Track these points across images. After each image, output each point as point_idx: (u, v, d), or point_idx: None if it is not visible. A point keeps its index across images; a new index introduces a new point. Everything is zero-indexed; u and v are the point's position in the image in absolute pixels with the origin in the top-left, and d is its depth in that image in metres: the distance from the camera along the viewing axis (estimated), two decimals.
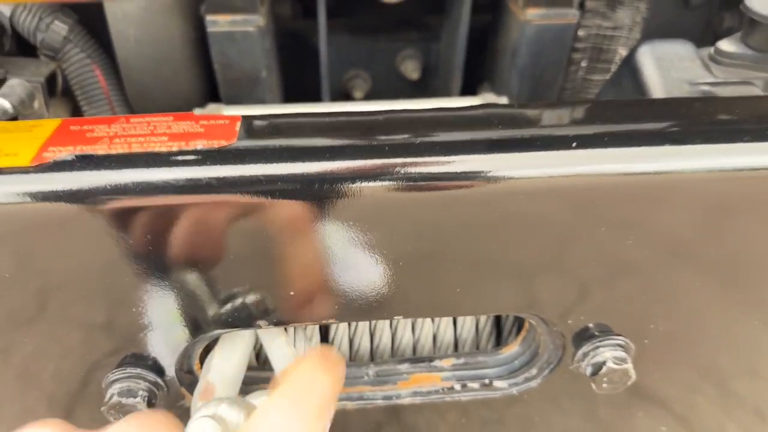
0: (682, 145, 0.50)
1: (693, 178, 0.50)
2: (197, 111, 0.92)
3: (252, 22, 0.86)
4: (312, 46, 1.06)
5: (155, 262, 0.51)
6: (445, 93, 1.06)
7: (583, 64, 0.97)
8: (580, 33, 0.92)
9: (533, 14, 0.88)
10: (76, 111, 0.99)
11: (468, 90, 1.05)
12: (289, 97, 1.04)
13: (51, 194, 0.47)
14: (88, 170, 0.47)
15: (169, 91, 0.94)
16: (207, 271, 0.52)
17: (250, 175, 0.47)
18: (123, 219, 0.48)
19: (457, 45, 0.95)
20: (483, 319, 0.68)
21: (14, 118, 0.78)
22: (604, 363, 0.60)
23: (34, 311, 0.54)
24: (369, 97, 1.12)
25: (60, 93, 0.98)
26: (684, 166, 0.50)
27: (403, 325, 0.67)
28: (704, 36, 1.01)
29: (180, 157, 0.48)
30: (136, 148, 0.49)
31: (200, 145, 0.49)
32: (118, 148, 0.49)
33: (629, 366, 0.60)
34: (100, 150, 0.49)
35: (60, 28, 0.92)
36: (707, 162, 0.50)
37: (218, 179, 0.47)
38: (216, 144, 0.49)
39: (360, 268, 0.52)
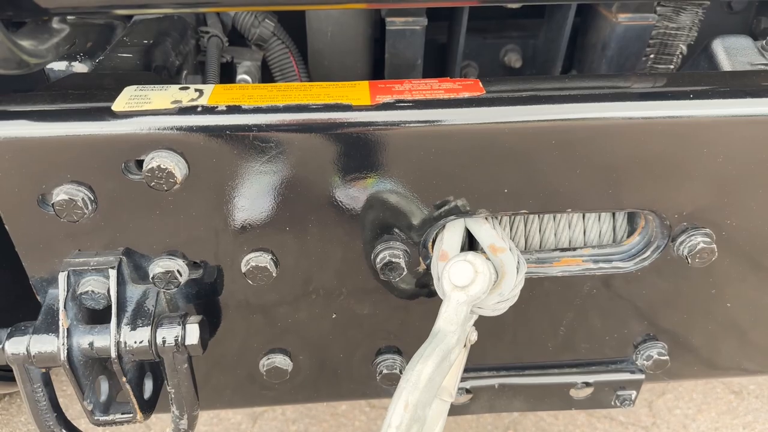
0: (753, 98, 0.82)
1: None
2: None
3: (419, 23, 1.18)
4: (437, 42, 1.39)
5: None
6: None
7: (652, 56, 1.29)
8: (652, 32, 1.24)
9: (623, 17, 1.20)
10: None
11: None
12: None
13: (384, 123, 0.79)
14: (407, 109, 0.79)
15: (347, 76, 1.26)
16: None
17: (503, 111, 0.79)
18: (418, 141, 0.80)
19: (561, 41, 1.28)
20: (608, 222, 1.00)
21: None
22: (697, 245, 0.92)
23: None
24: None
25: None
26: (755, 110, 0.82)
27: (564, 224, 0.98)
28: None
29: (460, 98, 0.80)
30: (429, 96, 0.81)
31: (466, 94, 0.82)
32: (418, 96, 0.81)
33: (714, 246, 0.92)
34: (408, 96, 0.81)
35: (269, 25, 1.25)
36: None
37: (490, 113, 0.79)
38: (476, 94, 0.82)
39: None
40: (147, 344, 0.86)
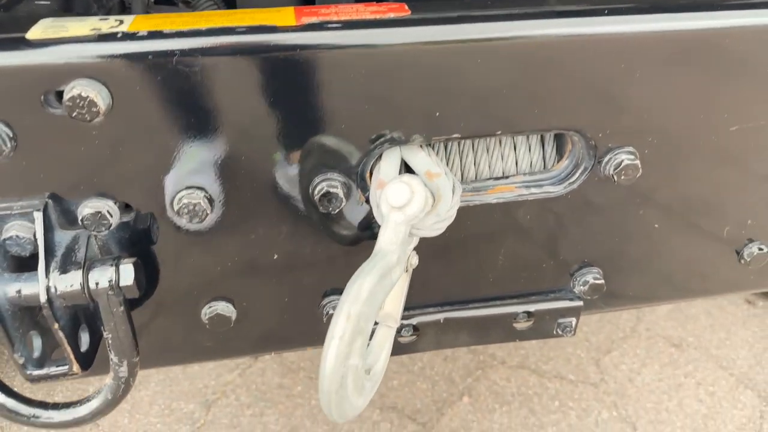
0: (667, 13, 0.87)
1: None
2: None
3: None
4: None
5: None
6: None
7: None
8: None
9: None
10: None
11: None
12: None
13: (310, 46, 0.79)
14: (333, 30, 0.80)
15: None
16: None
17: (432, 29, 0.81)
18: (345, 63, 0.80)
19: None
20: (538, 151, 1.03)
21: None
22: (622, 161, 0.96)
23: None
24: None
25: None
26: (668, 26, 0.86)
27: (497, 155, 1.01)
28: None
29: (386, 19, 0.81)
30: (355, 17, 0.82)
31: (392, 15, 0.83)
32: (344, 17, 0.82)
33: (638, 162, 0.96)
34: (334, 18, 0.81)
35: None
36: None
37: (415, 33, 0.80)
38: (402, 15, 0.83)
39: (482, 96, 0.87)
40: (79, 287, 0.83)
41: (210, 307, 1.01)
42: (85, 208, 0.85)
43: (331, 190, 0.89)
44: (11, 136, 0.79)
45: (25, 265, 0.86)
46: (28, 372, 0.88)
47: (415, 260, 0.91)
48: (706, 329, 2.70)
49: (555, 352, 2.57)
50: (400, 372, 2.47)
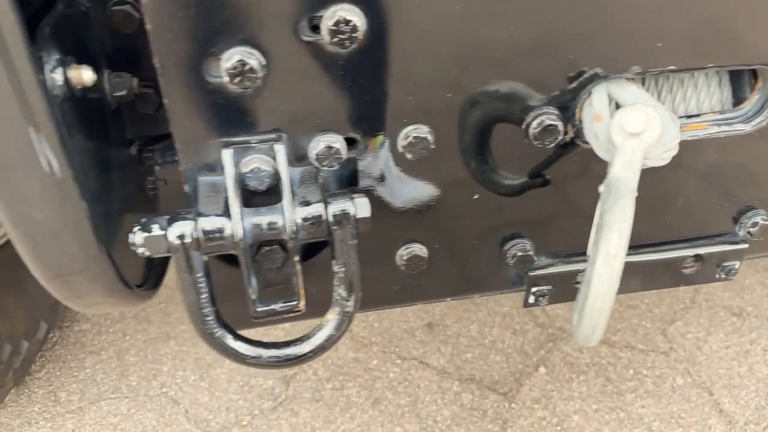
0: None
1: None
2: None
3: None
4: None
5: None
6: None
7: None
8: None
9: None
10: None
11: None
12: None
13: None
14: None
15: None
16: None
17: None
18: None
19: None
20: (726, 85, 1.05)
21: None
22: None
23: None
24: None
25: None
26: None
27: (691, 91, 1.02)
28: None
29: None
30: None
31: None
32: None
33: None
34: None
35: None
36: None
37: None
38: None
39: None
40: (322, 219, 0.83)
41: (407, 248, 1.01)
42: (319, 143, 0.85)
43: (551, 122, 0.90)
44: (264, 64, 0.78)
45: (254, 200, 0.86)
46: (256, 308, 0.88)
47: None
48: (764, 299, 2.74)
49: (621, 324, 2.60)
50: (471, 345, 2.49)
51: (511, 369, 2.38)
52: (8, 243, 1.92)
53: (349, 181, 0.93)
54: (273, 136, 0.84)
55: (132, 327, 2.55)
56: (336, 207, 0.84)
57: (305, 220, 0.83)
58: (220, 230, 0.81)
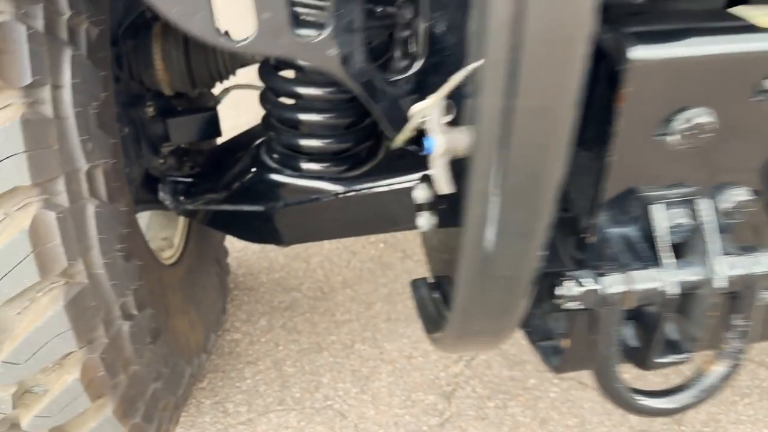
0: None
1: None
2: None
3: None
4: None
5: None
6: None
7: None
8: None
9: None
10: None
11: None
12: None
13: None
14: None
15: None
16: None
17: None
18: None
19: None
20: None
21: None
22: None
23: None
24: None
25: None
26: None
27: None
28: None
29: None
30: None
31: None
32: None
33: None
34: None
35: None
36: None
37: None
38: None
39: None
40: (744, 274, 0.83)
41: None
42: (736, 196, 0.85)
43: None
44: (715, 124, 0.79)
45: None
46: (655, 359, 0.89)
47: None
48: None
49: None
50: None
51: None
52: (187, 259, 1.96)
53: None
54: (692, 189, 0.84)
55: (283, 337, 2.58)
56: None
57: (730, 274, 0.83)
58: (653, 285, 0.81)
